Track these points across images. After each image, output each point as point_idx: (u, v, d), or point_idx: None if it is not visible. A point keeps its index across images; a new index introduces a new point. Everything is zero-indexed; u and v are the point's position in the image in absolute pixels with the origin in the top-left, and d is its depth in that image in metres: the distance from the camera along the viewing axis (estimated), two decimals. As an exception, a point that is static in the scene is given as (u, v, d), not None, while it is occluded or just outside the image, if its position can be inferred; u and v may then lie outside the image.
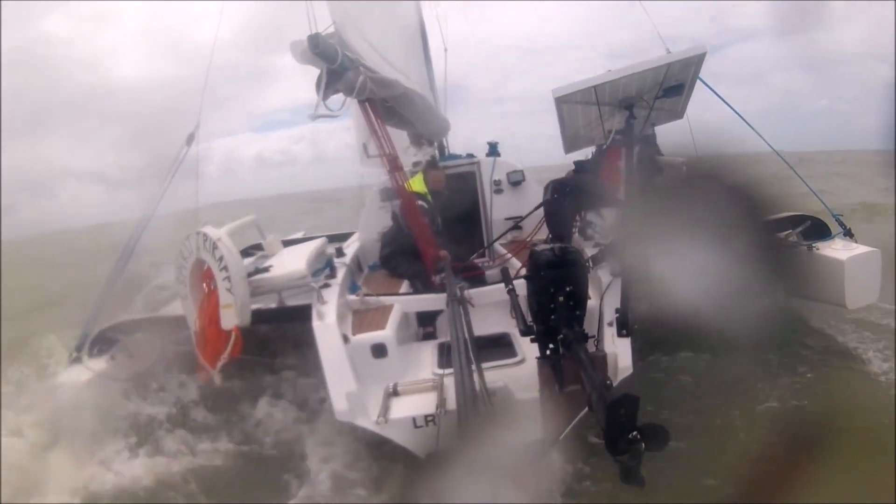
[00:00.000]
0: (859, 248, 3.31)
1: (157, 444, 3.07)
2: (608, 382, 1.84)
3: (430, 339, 3.63)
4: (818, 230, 3.58)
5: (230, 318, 2.78)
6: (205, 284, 3.00)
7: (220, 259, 2.75)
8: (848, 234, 3.52)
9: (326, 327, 2.83)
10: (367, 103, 3.43)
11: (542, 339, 2.36)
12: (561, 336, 2.26)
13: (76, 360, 3.39)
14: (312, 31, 2.96)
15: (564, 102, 2.80)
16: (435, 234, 4.33)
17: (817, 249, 3.43)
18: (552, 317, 2.30)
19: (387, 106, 4.06)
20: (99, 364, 3.38)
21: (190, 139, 4.57)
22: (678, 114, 3.08)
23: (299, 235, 7.61)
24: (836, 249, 3.37)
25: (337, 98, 3.04)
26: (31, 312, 6.96)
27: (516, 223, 4.93)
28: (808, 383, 3.18)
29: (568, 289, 2.30)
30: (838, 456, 2.48)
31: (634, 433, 1.65)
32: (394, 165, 3.71)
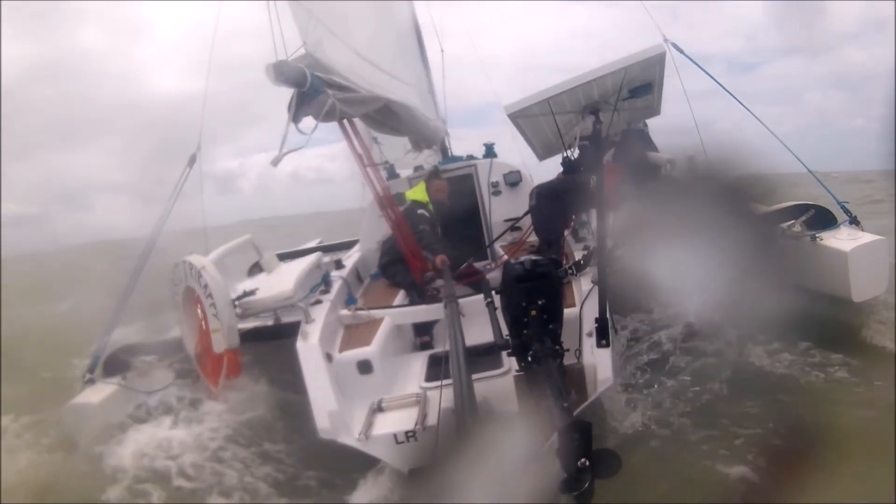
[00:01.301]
0: (864, 238, 3.13)
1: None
2: (566, 406, 1.82)
3: (426, 348, 3.65)
4: (823, 219, 3.41)
5: (220, 343, 2.88)
6: (199, 310, 3.10)
7: (206, 287, 2.85)
8: (854, 221, 3.33)
9: (309, 347, 2.89)
10: (345, 124, 3.44)
11: (518, 352, 2.35)
12: (531, 352, 2.25)
13: (89, 381, 3.57)
14: (281, 52, 2.99)
15: (520, 117, 2.73)
16: (435, 242, 4.35)
17: (821, 240, 3.27)
18: (525, 331, 2.29)
19: (371, 117, 4.07)
20: (111, 386, 3.55)
21: (192, 160, 4.70)
22: (654, 110, 2.97)
23: (313, 244, 7.76)
24: (841, 239, 3.20)
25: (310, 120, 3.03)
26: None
27: (511, 225, 4.90)
28: (807, 380, 3.05)
29: (540, 302, 2.28)
30: (837, 455, 2.40)
31: (584, 461, 1.63)
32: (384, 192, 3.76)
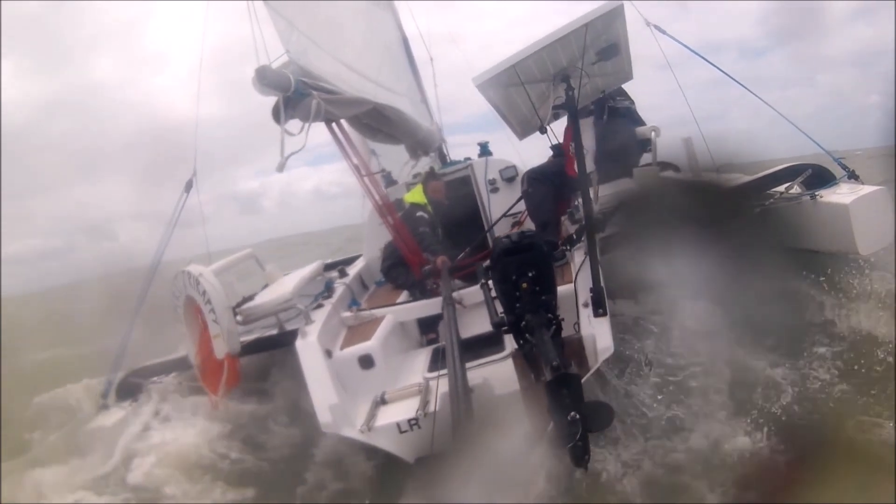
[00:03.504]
0: (864, 189, 3.05)
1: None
2: (555, 364, 1.79)
3: (433, 345, 3.63)
4: (821, 177, 3.34)
5: (221, 348, 2.90)
6: (200, 320, 3.14)
7: (204, 293, 2.89)
8: (852, 175, 3.25)
9: (308, 345, 2.90)
10: (333, 126, 3.50)
11: (514, 328, 2.32)
12: (524, 323, 2.23)
13: (104, 407, 3.64)
14: (263, 61, 3.06)
15: (490, 88, 2.73)
16: (436, 242, 4.37)
17: (821, 197, 3.19)
18: (518, 305, 2.27)
19: (364, 123, 4.14)
20: (125, 409, 3.60)
21: (188, 186, 4.78)
22: (627, 74, 2.94)
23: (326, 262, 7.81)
24: (841, 194, 3.13)
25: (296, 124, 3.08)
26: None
27: (503, 215, 4.93)
28: (806, 378, 2.88)
29: (530, 274, 2.26)
30: (837, 456, 2.30)
31: (574, 414, 1.59)
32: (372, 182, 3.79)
